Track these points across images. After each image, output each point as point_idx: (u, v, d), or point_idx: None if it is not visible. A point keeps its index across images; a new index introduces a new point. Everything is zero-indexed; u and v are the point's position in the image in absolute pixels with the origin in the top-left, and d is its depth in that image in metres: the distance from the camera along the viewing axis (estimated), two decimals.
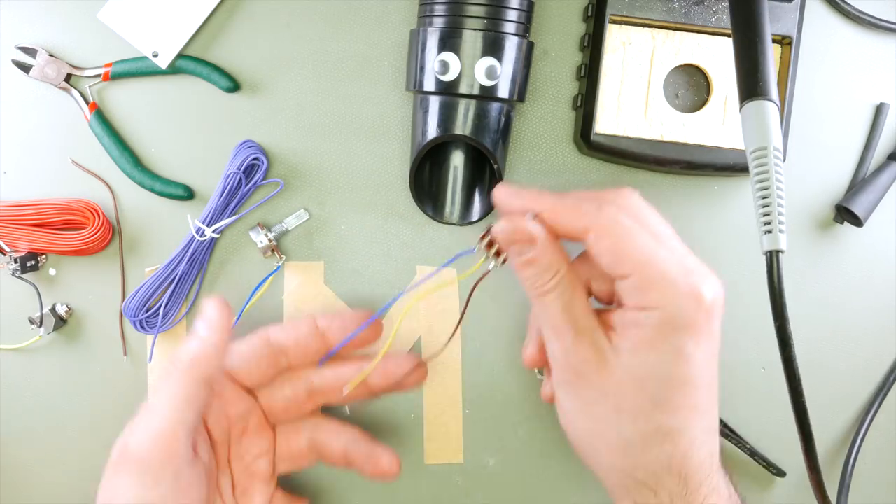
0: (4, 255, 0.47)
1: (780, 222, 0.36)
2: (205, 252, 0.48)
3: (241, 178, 0.47)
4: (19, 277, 0.47)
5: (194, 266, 0.48)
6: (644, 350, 0.36)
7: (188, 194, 0.48)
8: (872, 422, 0.50)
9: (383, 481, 0.48)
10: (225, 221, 0.47)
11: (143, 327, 0.47)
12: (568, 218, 0.38)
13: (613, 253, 0.37)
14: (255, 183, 0.48)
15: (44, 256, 0.48)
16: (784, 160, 0.47)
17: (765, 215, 0.36)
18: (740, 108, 0.38)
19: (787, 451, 0.50)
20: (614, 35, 0.47)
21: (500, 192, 0.41)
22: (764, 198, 0.36)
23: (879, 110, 0.50)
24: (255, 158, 0.47)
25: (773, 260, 0.36)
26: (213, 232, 0.47)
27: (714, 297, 0.37)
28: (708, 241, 0.50)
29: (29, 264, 0.47)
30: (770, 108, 0.37)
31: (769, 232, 0.36)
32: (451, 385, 0.49)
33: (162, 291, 0.47)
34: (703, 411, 0.37)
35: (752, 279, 0.50)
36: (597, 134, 0.47)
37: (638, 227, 0.37)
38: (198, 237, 0.47)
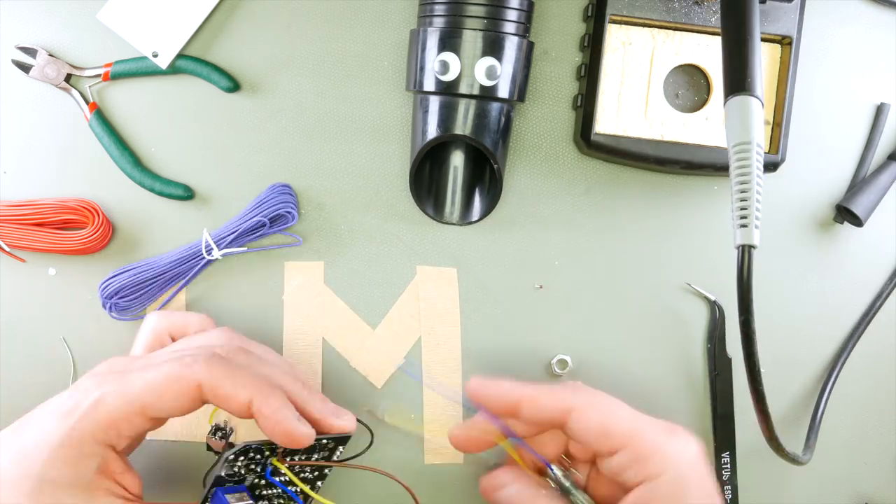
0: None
1: (757, 217, 0.36)
2: (202, 265, 0.48)
3: (266, 223, 0.47)
4: None
5: (185, 274, 0.47)
6: None
7: (188, 194, 0.48)
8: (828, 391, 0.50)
9: None
10: (235, 249, 0.47)
11: (112, 310, 0.47)
12: (547, 401, 0.40)
13: (601, 429, 0.38)
14: (279, 230, 0.48)
15: None
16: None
17: (741, 209, 0.36)
18: (724, 102, 0.38)
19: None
20: (614, 35, 0.47)
21: (475, 386, 0.42)
22: (742, 192, 0.36)
23: (879, 110, 0.50)
24: (288, 212, 0.47)
25: (744, 255, 0.36)
26: (220, 254, 0.47)
27: (698, 450, 0.39)
28: (708, 241, 0.50)
29: None
30: (753, 104, 0.37)
31: (744, 227, 0.36)
32: (451, 385, 0.49)
33: (144, 284, 0.47)
34: None
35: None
36: (597, 134, 0.47)
37: (617, 403, 0.40)
38: (206, 255, 0.47)
